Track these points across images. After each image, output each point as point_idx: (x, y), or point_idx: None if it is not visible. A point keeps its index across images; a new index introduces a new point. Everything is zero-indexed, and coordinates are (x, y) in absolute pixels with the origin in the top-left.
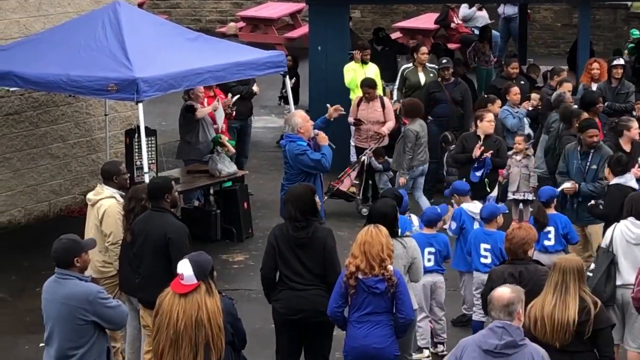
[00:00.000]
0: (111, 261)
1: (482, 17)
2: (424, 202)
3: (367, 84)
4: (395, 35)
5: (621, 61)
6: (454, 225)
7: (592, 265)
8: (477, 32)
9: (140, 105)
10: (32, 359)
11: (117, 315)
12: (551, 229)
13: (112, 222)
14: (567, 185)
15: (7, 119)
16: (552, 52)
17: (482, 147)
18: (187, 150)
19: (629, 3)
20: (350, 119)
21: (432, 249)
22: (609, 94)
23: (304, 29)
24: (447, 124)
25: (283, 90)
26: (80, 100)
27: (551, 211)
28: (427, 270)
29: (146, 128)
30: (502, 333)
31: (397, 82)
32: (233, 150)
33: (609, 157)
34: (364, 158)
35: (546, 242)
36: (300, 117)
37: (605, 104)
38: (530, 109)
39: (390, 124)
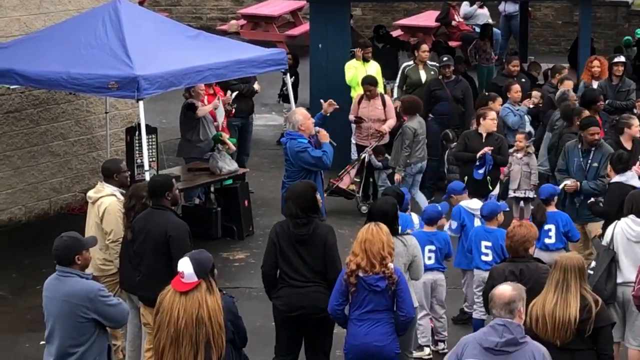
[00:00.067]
0: (112, 259)
1: (483, 14)
2: (422, 199)
3: (368, 82)
4: (396, 33)
5: (622, 59)
6: (454, 225)
7: (593, 263)
8: (478, 29)
9: (141, 103)
10: (33, 357)
11: (117, 313)
12: (552, 226)
13: (113, 220)
14: (567, 182)
15: (7, 117)
16: (553, 49)
17: (487, 148)
18: (187, 148)
19: (630, 0)
20: (351, 117)
21: (433, 247)
22: (610, 92)
23: (304, 27)
24: (448, 121)
25: (284, 89)
26: (81, 98)
27: (552, 209)
28: (428, 268)
29: (147, 126)
30: (503, 331)
31: (397, 80)
32: (234, 148)
33: (611, 154)
34: (364, 155)
35: (547, 240)
36: (301, 115)
37: (606, 101)
38: (531, 106)
39: (391, 121)
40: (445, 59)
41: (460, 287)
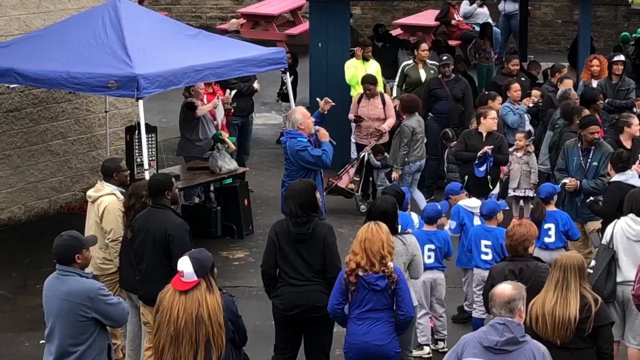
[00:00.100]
0: (111, 258)
1: (483, 13)
2: (420, 198)
3: (368, 81)
4: (396, 32)
5: (621, 57)
6: (453, 225)
7: (593, 262)
8: (477, 28)
9: (141, 102)
10: (33, 356)
11: (117, 312)
12: (551, 225)
13: (112, 219)
14: (565, 181)
15: (7, 116)
16: (553, 48)
17: (488, 147)
18: (187, 147)
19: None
20: (351, 116)
21: (432, 246)
22: (610, 91)
23: (304, 26)
24: (448, 120)
25: (283, 88)
26: (81, 97)
27: (551, 208)
28: (427, 267)
29: (146, 125)
30: (503, 330)
31: (397, 79)
32: (233, 147)
33: (612, 153)
34: (363, 154)
35: (546, 239)
36: (300, 114)
37: (606, 100)
38: (530, 105)
39: (391, 120)
40: (444, 58)
41: (460, 286)
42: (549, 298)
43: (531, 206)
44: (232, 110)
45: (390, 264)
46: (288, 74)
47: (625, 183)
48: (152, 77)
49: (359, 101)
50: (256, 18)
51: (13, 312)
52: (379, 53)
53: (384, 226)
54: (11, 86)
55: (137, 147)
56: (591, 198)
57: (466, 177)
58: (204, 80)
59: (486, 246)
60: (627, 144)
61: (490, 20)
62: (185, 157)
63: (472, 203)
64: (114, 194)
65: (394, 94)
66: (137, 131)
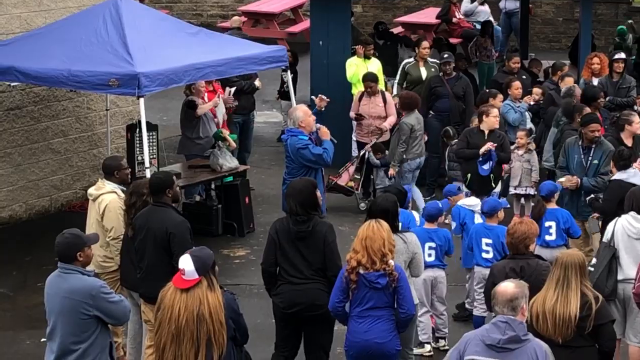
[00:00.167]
0: (112, 256)
1: (484, 11)
2: (417, 195)
3: (370, 78)
4: (397, 30)
5: (622, 55)
6: (454, 225)
7: (594, 260)
8: (478, 26)
9: (142, 100)
10: (34, 354)
11: (119, 310)
12: (552, 223)
13: (113, 217)
14: (562, 180)
15: (8, 114)
16: (554, 46)
17: (490, 144)
18: (188, 145)
19: None
20: (352, 114)
21: (433, 244)
22: (611, 89)
23: (305, 24)
24: (449, 118)
25: (284, 86)
26: (82, 95)
27: (552, 206)
28: (428, 265)
29: (147, 123)
30: (506, 328)
31: (397, 77)
32: (234, 144)
33: (614, 151)
34: (363, 152)
35: (547, 237)
36: (301, 111)
37: (607, 98)
38: (531, 103)
39: (392, 118)
40: (445, 56)
41: (461, 283)
42: (550, 296)
43: (532, 204)
44: (231, 109)
45: (391, 262)
46: (289, 72)
47: (626, 182)
48: (153, 75)
49: (360, 99)
50: (257, 16)
51: (14, 310)
52: (380, 51)
53: (384, 224)
54: (12, 84)
55: (138, 145)
56: (592, 196)
57: (468, 175)
58: (204, 78)
59: (487, 244)
60: (628, 142)
61: (491, 18)
62: (186, 155)
63: (472, 201)
64: (115, 192)
65: (395, 91)
66: (138, 129)
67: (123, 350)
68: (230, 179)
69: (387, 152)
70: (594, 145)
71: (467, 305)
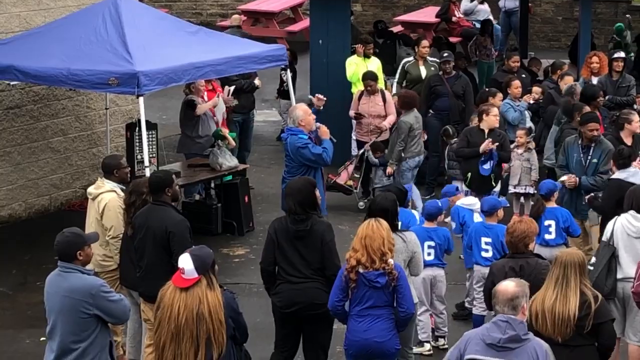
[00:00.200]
0: (112, 255)
1: (484, 10)
2: (415, 193)
3: (369, 77)
4: (396, 29)
5: (622, 54)
6: (454, 225)
7: (593, 259)
8: (478, 25)
9: (141, 99)
10: (33, 353)
11: (119, 309)
12: (552, 222)
13: (113, 216)
14: (564, 178)
15: (7, 113)
16: (553, 45)
17: (491, 143)
18: (188, 144)
19: None
20: (351, 113)
21: (432, 243)
22: (610, 88)
23: (305, 23)
24: (448, 117)
25: (284, 85)
26: (81, 94)
27: (551, 204)
28: (427, 264)
29: (147, 122)
30: (506, 327)
31: (397, 76)
32: (234, 143)
33: (614, 150)
34: (363, 151)
35: (547, 236)
36: (301, 110)
37: (607, 97)
38: (531, 102)
39: (392, 117)
40: (445, 54)
41: (461, 282)
42: (549, 295)
43: (531, 203)
44: (230, 108)
45: (391, 261)
46: (288, 71)
47: (626, 181)
48: (153, 74)
49: (359, 98)
50: (257, 15)
51: (13, 309)
52: (380, 50)
53: (384, 223)
54: (11, 83)
55: (137, 144)
56: (591, 194)
57: (469, 174)
58: (204, 77)
59: (486, 243)
60: (628, 141)
61: (491, 17)
62: (186, 154)
63: (470, 201)
64: (115, 191)
65: (394, 90)
66: (137, 128)
67: (122, 349)
68: (229, 177)
69: (386, 151)
70: (593, 144)
71: (466, 304)
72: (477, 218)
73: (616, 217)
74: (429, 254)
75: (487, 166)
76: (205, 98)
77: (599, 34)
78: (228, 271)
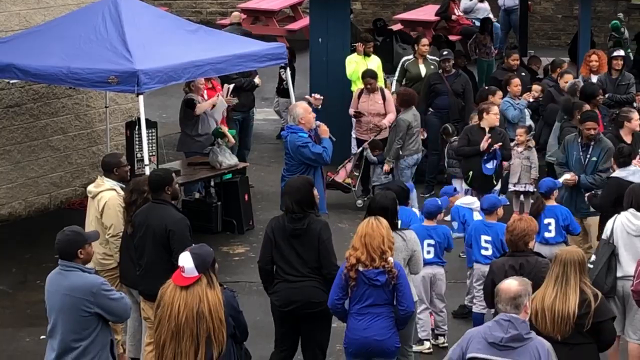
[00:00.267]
0: (112, 253)
1: (483, 8)
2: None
3: (369, 75)
4: (396, 27)
5: (621, 53)
6: (455, 225)
7: (593, 257)
8: (478, 23)
9: (141, 97)
10: (33, 352)
11: (120, 308)
12: (551, 220)
13: (113, 215)
14: (567, 176)
15: (7, 111)
16: (553, 43)
17: (490, 139)
18: (187, 142)
19: None
20: (351, 111)
21: (432, 241)
22: (610, 86)
23: (304, 21)
24: (448, 115)
25: (284, 83)
26: (81, 93)
27: (551, 203)
28: (427, 262)
29: (147, 120)
30: (508, 326)
31: (396, 74)
32: (234, 140)
33: (613, 149)
34: (361, 149)
35: (547, 234)
36: (301, 108)
37: (606, 95)
38: (531, 100)
39: (391, 116)
40: (445, 53)
41: (461, 280)
42: (549, 293)
43: (531, 201)
44: (230, 106)
45: (391, 259)
46: (288, 69)
47: (625, 180)
48: (152, 72)
49: (359, 96)
50: (256, 13)
51: (13, 308)
52: (379, 48)
53: (384, 221)
54: (11, 82)
55: (137, 142)
56: (591, 192)
57: (470, 173)
58: (204, 75)
59: (486, 241)
60: (628, 139)
61: (490, 15)
62: (186, 152)
63: (469, 200)
64: (114, 190)
65: (393, 89)
66: (137, 126)
67: (123, 347)
68: (229, 176)
69: (385, 149)
70: (592, 143)
71: (466, 302)
72: (477, 216)
73: (616, 215)
74: (428, 252)
75: (490, 165)
76: (205, 96)
77: (599, 32)
78: (228, 269)
